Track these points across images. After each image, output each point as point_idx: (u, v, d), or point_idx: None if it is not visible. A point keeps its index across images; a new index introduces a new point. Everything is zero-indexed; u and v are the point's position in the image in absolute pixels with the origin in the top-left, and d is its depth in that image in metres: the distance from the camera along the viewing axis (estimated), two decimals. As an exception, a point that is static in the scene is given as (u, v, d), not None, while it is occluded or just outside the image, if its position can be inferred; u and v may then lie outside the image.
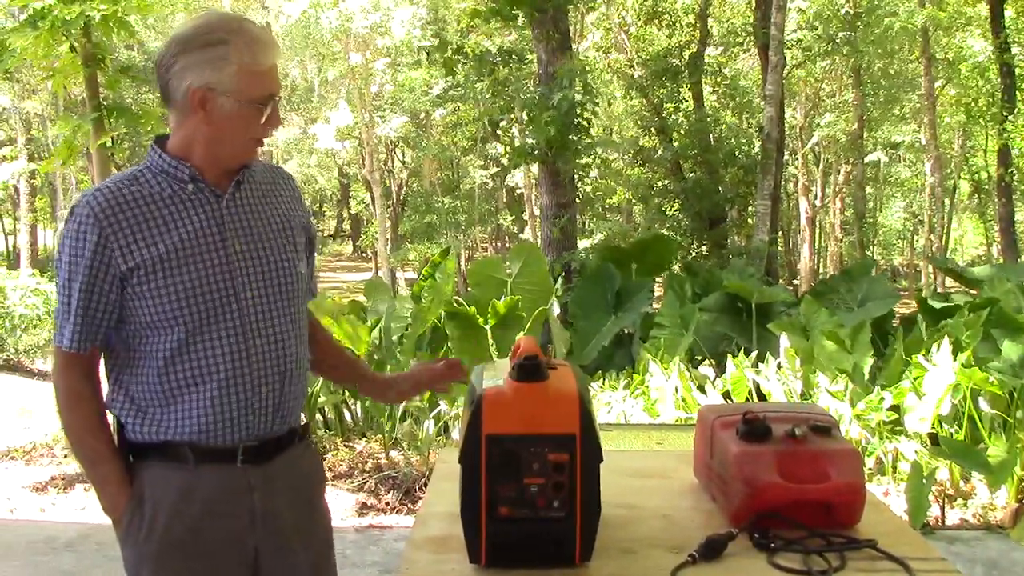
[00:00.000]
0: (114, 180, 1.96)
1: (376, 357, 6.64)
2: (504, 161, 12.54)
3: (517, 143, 11.37)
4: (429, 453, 6.16)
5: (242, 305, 1.95)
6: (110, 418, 2.02)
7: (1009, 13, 16.78)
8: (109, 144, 6.80)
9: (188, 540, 1.94)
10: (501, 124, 12.23)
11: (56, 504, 5.87)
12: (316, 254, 2.31)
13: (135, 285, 1.89)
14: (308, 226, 2.17)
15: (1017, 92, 15.41)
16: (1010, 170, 15.87)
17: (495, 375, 1.81)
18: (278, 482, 2.02)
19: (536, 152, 10.86)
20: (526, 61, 12.09)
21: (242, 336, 1.95)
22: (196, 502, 1.95)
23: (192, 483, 1.95)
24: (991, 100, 17.06)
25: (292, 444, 2.07)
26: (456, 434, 6.21)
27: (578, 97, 10.54)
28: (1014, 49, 16.08)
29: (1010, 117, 15.14)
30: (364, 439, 6.84)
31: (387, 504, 5.70)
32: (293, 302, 2.06)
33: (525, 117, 11.27)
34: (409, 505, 5.67)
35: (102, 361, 2.02)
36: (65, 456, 6.89)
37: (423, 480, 5.78)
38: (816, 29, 16.66)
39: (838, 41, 16.53)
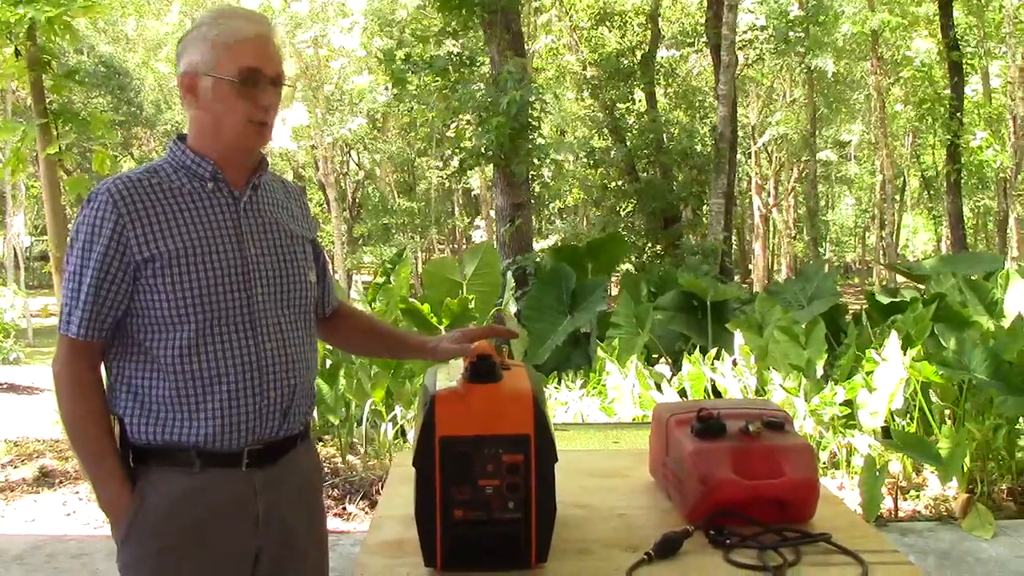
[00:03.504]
0: (134, 171, 1.94)
1: (330, 362, 6.59)
2: (455, 164, 12.50)
3: (470, 145, 11.31)
4: (387, 457, 6.12)
5: (254, 308, 1.93)
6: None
7: (957, 13, 17.06)
8: (59, 151, 6.65)
9: (190, 543, 1.90)
10: (453, 127, 12.20)
11: (3, 516, 5.75)
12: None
13: (149, 277, 1.86)
14: (314, 240, 2.16)
15: (964, 90, 15.70)
16: (957, 166, 16.13)
17: (449, 376, 1.79)
18: (282, 484, 1.99)
19: (489, 154, 10.83)
20: (477, 63, 12.05)
21: (253, 339, 1.92)
22: (200, 506, 1.90)
23: (197, 487, 1.90)
24: (938, 98, 17.32)
25: (295, 446, 2.05)
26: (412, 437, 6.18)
27: (529, 98, 10.53)
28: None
29: (957, 114, 15.39)
30: (320, 443, 6.79)
31: (343, 509, 5.66)
32: (304, 309, 2.05)
33: (477, 119, 11.24)
34: (366, 510, 5.64)
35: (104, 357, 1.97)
36: (15, 467, 6.77)
37: (380, 484, 5.75)
38: (766, 29, 16.79)
39: (791, 40, 16.67)
